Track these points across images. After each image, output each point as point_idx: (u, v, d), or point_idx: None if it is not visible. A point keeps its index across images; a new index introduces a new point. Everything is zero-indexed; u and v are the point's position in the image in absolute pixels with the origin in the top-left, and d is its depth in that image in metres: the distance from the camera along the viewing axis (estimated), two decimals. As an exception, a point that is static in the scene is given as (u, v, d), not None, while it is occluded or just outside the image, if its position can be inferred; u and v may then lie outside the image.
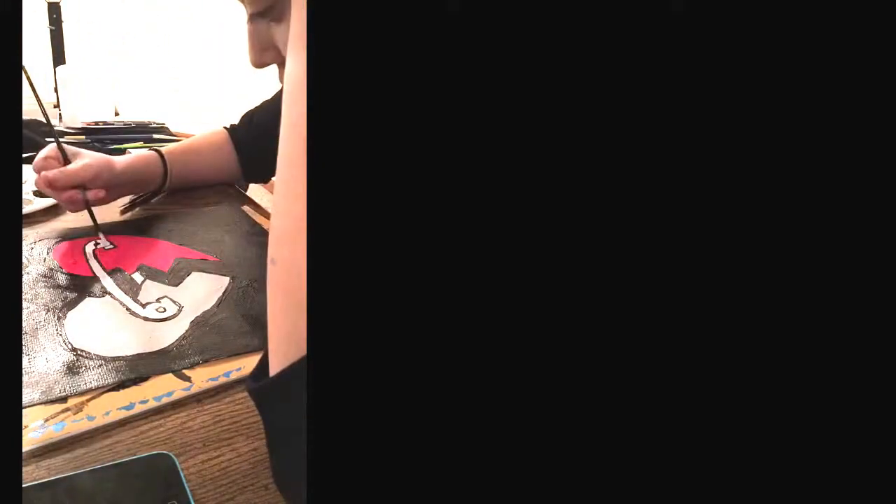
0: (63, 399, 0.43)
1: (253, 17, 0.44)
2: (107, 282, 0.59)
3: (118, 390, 0.45)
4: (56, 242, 0.67)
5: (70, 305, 0.55)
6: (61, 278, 0.59)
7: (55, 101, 1.29)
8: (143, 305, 0.56)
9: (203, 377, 0.47)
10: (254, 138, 0.86)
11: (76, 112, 1.19)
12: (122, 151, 0.99)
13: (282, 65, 0.45)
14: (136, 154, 0.80)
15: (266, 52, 0.45)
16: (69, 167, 0.70)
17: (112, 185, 0.73)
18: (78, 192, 0.70)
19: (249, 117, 0.88)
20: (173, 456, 0.38)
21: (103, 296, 0.57)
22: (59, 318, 0.53)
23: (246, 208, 0.80)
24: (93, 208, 0.72)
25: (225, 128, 0.88)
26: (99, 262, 0.63)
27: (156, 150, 0.81)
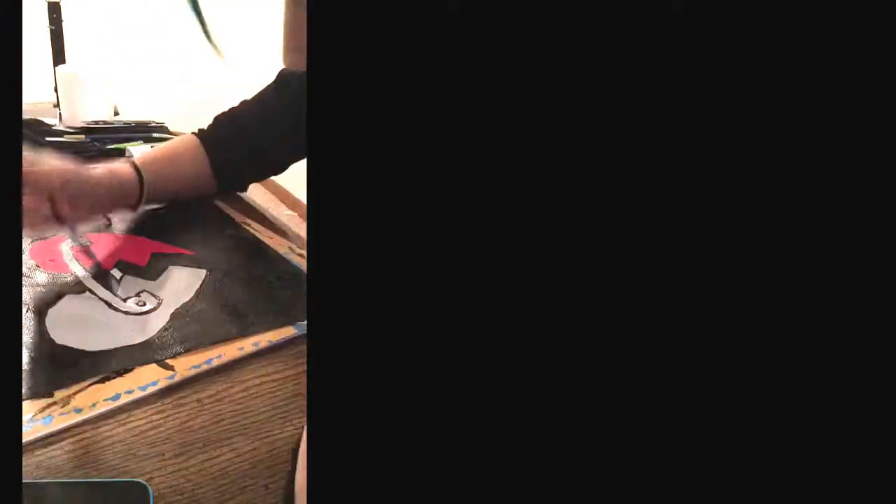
0: (49, 394, 0.45)
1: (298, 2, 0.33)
2: (85, 278, 0.60)
3: (103, 382, 0.46)
4: (31, 242, 0.68)
5: (50, 303, 0.56)
6: (39, 277, 0.60)
7: (55, 101, 1.26)
8: (124, 300, 0.57)
9: (185, 365, 0.49)
10: (228, 144, 0.77)
11: (76, 112, 1.17)
12: (122, 151, 0.98)
13: None
14: (108, 165, 0.70)
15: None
16: (32, 169, 0.59)
17: (83, 200, 0.64)
18: (42, 202, 0.59)
19: (222, 121, 0.79)
20: (150, 488, 0.37)
21: (83, 292, 0.58)
22: (39, 316, 0.54)
23: (218, 202, 0.81)
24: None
25: (194, 133, 0.79)
26: (76, 259, 0.64)
27: (128, 161, 0.71)
